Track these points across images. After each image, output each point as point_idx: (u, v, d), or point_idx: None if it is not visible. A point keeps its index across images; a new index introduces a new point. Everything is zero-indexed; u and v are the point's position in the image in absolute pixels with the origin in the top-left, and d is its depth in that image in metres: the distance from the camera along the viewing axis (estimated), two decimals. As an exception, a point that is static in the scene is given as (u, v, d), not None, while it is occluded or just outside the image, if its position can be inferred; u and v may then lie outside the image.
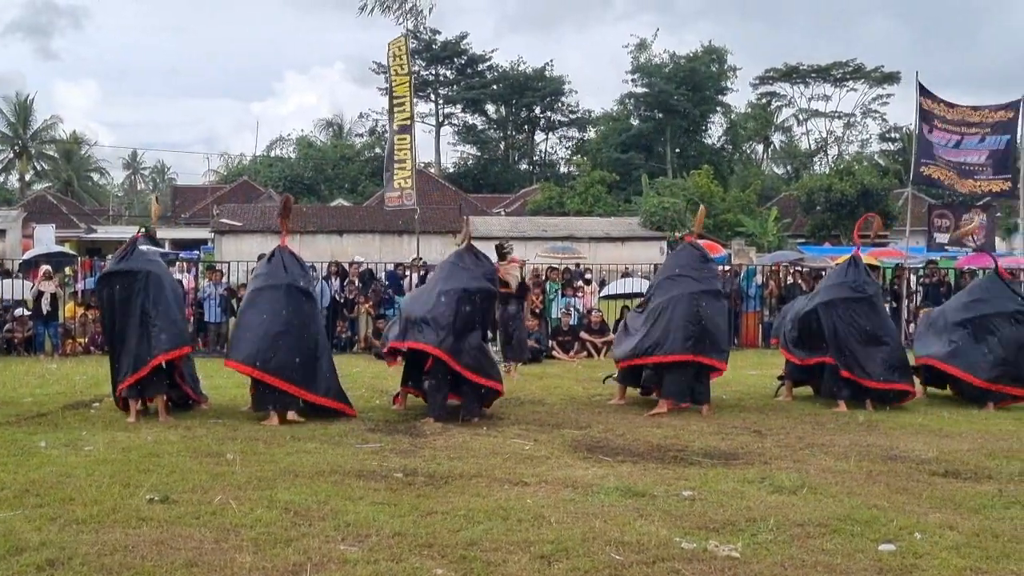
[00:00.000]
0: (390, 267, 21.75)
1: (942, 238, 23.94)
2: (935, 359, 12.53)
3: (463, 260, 11.19)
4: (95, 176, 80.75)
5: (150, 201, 13.32)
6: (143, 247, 11.20)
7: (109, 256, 18.35)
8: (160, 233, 46.53)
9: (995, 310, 12.42)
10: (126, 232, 43.27)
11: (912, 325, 21.55)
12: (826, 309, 11.99)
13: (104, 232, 50.96)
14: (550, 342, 18.51)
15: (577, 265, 25.47)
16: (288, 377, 10.30)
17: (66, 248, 34.94)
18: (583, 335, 18.78)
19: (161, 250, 24.03)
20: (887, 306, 21.26)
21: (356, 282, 20.13)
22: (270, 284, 10.73)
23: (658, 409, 11.23)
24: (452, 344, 10.55)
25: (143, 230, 11.76)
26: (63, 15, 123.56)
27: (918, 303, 22.03)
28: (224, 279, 19.52)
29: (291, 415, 10.30)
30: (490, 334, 15.27)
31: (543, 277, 20.40)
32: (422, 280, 19.06)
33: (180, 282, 12.20)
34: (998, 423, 10.85)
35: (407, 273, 20.74)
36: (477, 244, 11.76)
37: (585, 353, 18.50)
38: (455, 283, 10.83)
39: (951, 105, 22.55)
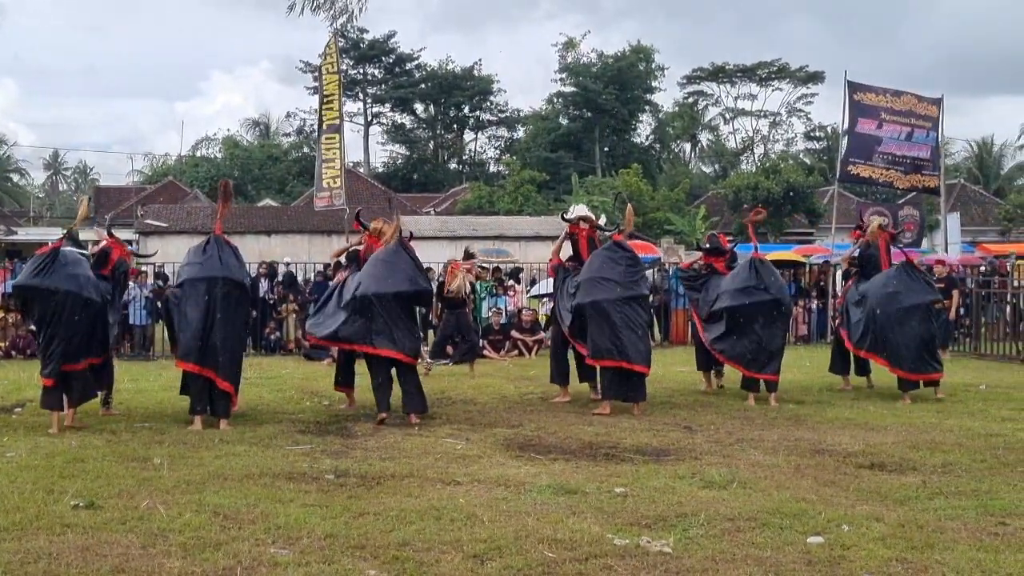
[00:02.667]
0: (320, 267, 21.55)
1: None
2: (868, 352, 12.82)
3: (397, 258, 10.87)
4: (15, 177, 78.98)
5: (79, 201, 12.61)
6: (67, 250, 10.55)
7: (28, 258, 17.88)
8: (83, 235, 45.65)
9: (913, 302, 12.64)
10: (48, 233, 42.38)
11: (837, 320, 21.97)
12: (736, 311, 12.24)
13: (25, 234, 49.78)
14: (481, 341, 18.49)
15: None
16: (213, 367, 10.19)
17: (-14, 250, 34.18)
18: (514, 334, 18.80)
19: (83, 251, 23.54)
20: (814, 303, 21.72)
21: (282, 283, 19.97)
22: (203, 276, 10.33)
23: (600, 410, 11.19)
24: (408, 346, 10.61)
25: (67, 233, 11.21)
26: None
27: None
28: (149, 281, 19.22)
29: (223, 424, 10.02)
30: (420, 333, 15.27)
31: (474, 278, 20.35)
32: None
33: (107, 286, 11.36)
34: (921, 416, 11.06)
35: (335, 274, 20.57)
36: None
37: (516, 352, 18.53)
38: (392, 284, 10.61)
39: (898, 93, 22.80)
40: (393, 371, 10.77)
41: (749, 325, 12.14)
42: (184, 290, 10.45)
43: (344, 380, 11.61)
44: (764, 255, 13.06)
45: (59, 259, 10.07)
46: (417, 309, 11.97)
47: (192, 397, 10.30)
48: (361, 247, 11.70)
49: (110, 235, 11.22)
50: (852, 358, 13.47)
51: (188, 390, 10.60)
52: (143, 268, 20.14)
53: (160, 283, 19.86)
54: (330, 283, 20.03)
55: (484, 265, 22.23)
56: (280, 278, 20.30)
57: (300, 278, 21.23)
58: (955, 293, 18.88)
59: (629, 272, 11.53)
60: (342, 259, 12.76)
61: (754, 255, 12.53)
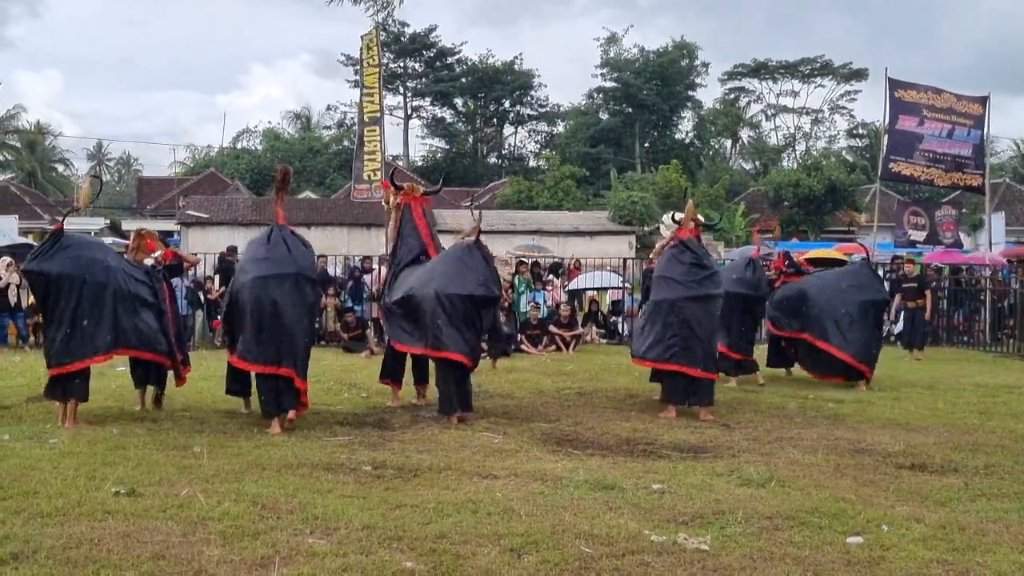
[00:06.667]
0: (357, 261, 21.68)
1: (917, 236, 24.07)
2: (827, 344, 13.60)
3: (470, 258, 10.51)
4: (59, 167, 79.81)
5: (82, 182, 11.79)
6: (75, 233, 10.27)
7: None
8: (125, 225, 46.03)
9: (869, 297, 13.79)
10: (90, 223, 42.89)
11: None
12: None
13: (68, 223, 50.33)
14: (519, 336, 18.50)
15: (574, 261, 25.19)
16: (289, 364, 9.53)
17: (30, 240, 34.57)
18: (552, 329, 18.79)
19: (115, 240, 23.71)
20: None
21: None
22: (277, 273, 9.63)
23: (665, 413, 10.86)
24: (470, 350, 10.38)
25: (65, 216, 10.61)
26: (17, 3, 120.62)
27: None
28: (191, 272, 19.34)
29: (291, 414, 9.46)
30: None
31: (512, 271, 20.38)
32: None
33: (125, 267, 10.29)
34: (964, 417, 10.95)
35: (374, 267, 20.74)
36: (447, 238, 11.68)
37: (554, 347, 18.52)
38: (461, 287, 10.26)
39: (938, 91, 22.59)
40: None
41: (731, 312, 12.96)
42: (253, 288, 9.68)
43: (392, 374, 11.36)
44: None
45: (61, 242, 9.62)
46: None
47: (264, 400, 9.73)
48: (397, 207, 11.44)
49: (116, 231, 11.06)
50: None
51: (234, 389, 10.39)
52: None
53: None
54: (368, 277, 20.29)
55: (524, 260, 22.21)
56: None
57: (339, 271, 21.35)
58: (928, 293, 18.80)
59: (692, 271, 11.07)
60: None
61: (753, 255, 13.96)
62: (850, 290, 13.77)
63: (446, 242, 11.68)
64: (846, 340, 13.48)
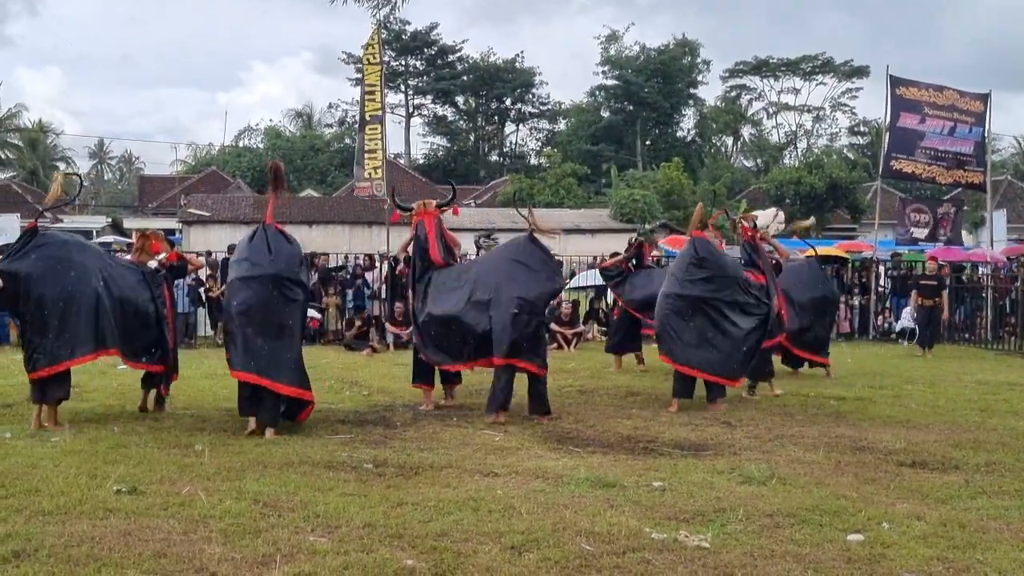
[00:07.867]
0: (359, 260, 21.70)
1: (920, 233, 24.07)
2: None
3: (528, 255, 10.40)
4: (61, 165, 79.66)
5: (54, 178, 11.15)
6: (54, 232, 10.01)
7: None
8: (127, 223, 46.00)
9: (821, 294, 14.60)
10: (92, 221, 42.96)
11: (880, 317, 21.80)
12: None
13: (70, 222, 50.38)
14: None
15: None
16: (263, 371, 9.10)
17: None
18: (553, 327, 18.77)
19: (128, 241, 23.70)
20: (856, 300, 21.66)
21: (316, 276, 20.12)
22: (254, 275, 9.23)
23: (669, 407, 10.99)
24: (534, 356, 10.30)
25: (39, 216, 10.46)
26: (15, 0, 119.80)
27: (886, 294, 22.30)
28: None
29: (269, 433, 9.01)
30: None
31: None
32: (392, 270, 19.05)
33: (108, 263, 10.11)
34: (965, 414, 10.94)
35: (375, 264, 20.78)
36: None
37: (555, 345, 18.50)
38: (521, 289, 10.08)
39: (940, 88, 22.58)
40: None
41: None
42: (233, 291, 9.44)
43: (423, 376, 11.06)
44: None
45: (34, 241, 9.41)
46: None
47: (241, 399, 9.39)
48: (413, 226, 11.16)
49: (113, 226, 10.91)
50: None
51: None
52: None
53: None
54: (369, 275, 20.29)
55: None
56: (316, 271, 20.40)
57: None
58: (944, 293, 18.66)
59: (690, 270, 11.14)
60: (408, 250, 11.65)
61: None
62: (798, 286, 14.14)
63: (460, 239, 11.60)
64: (810, 340, 14.25)
